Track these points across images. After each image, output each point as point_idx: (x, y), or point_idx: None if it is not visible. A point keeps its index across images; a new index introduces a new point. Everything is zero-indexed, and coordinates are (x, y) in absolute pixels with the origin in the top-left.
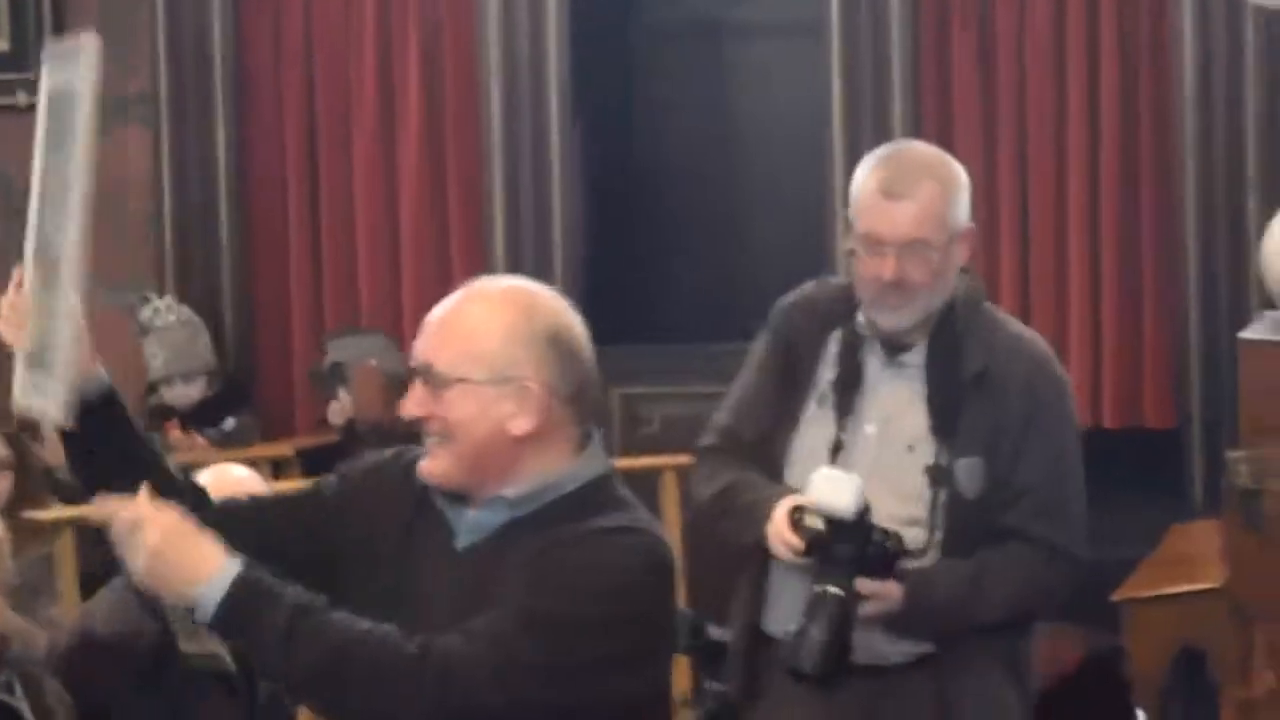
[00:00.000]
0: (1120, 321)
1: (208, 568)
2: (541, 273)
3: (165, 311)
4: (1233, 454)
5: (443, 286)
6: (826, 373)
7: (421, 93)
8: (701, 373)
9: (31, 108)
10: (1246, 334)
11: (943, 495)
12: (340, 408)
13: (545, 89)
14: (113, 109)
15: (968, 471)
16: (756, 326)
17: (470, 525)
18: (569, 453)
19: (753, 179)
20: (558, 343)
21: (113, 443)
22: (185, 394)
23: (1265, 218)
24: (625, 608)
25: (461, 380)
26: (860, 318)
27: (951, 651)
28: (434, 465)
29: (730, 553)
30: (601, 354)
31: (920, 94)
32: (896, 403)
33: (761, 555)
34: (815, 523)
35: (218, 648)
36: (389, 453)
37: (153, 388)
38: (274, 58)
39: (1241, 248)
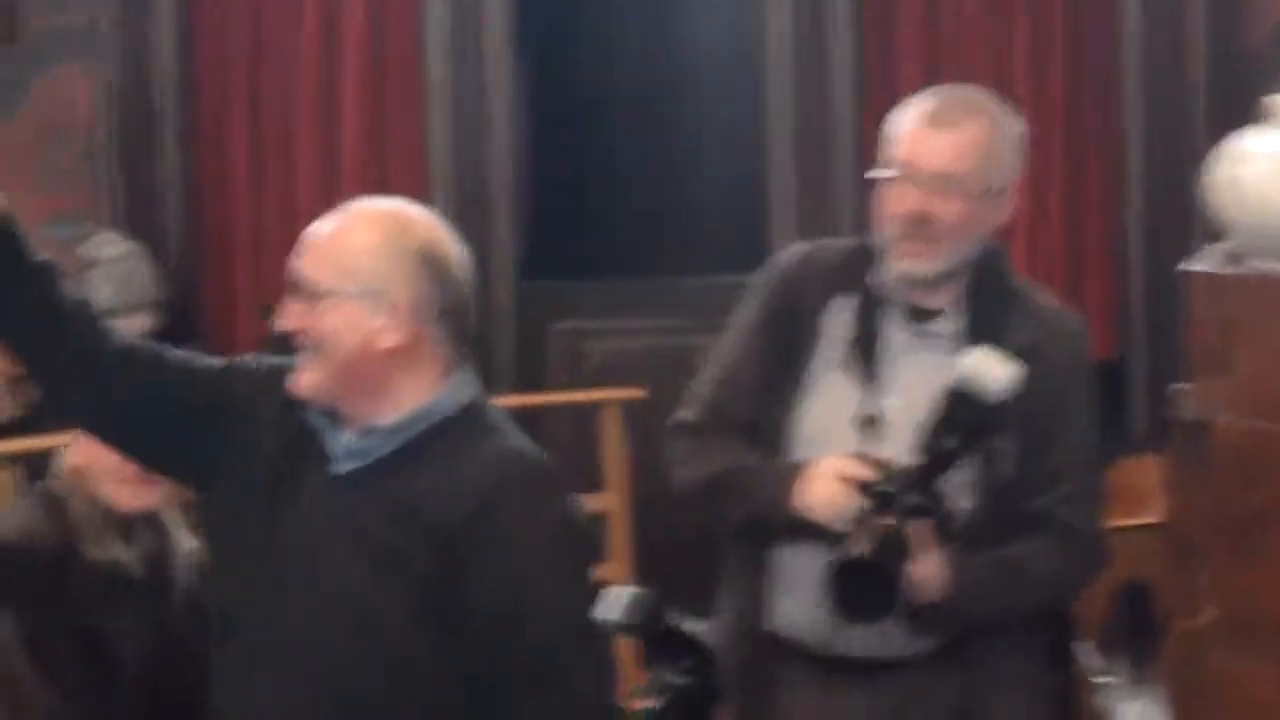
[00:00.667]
0: (1062, 252)
1: None
2: (481, 202)
3: (108, 245)
4: (1177, 387)
5: None
6: (833, 340)
7: (364, 19)
8: (642, 307)
9: None
10: (1191, 266)
11: (976, 475)
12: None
13: (488, 15)
14: (52, 41)
15: (1003, 452)
16: (694, 261)
17: (348, 450)
18: (438, 375)
19: (694, 110)
20: (429, 260)
21: (8, 268)
22: (131, 326)
23: (1211, 145)
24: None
25: (332, 293)
26: (876, 277)
27: (976, 646)
28: (305, 378)
29: (713, 539)
30: (542, 288)
31: (864, 25)
32: (923, 374)
33: (764, 539)
34: (885, 469)
35: (123, 553)
36: (280, 361)
37: None
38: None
39: (1186, 179)
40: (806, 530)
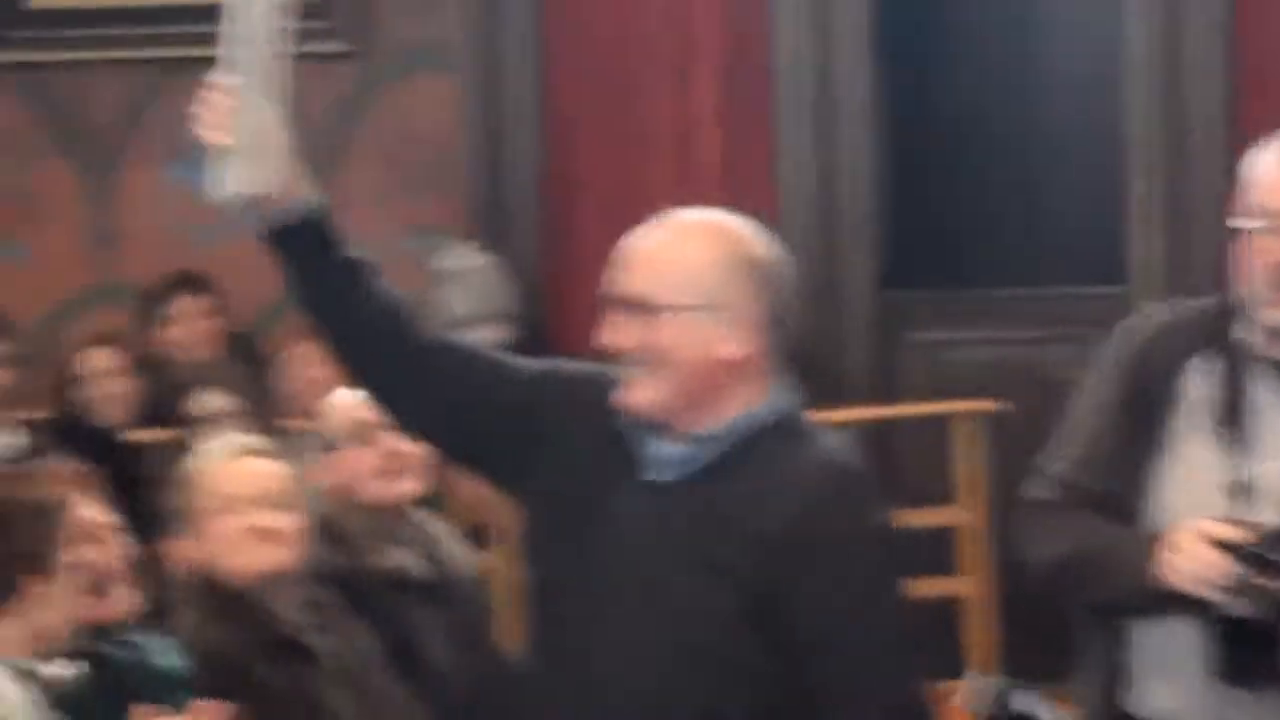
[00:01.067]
0: None
1: None
2: (837, 215)
3: (464, 256)
4: None
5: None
6: (1194, 403)
7: (719, 36)
8: (998, 318)
9: (332, 56)
10: None
11: None
12: None
13: (842, 31)
14: (406, 53)
15: None
16: (1050, 271)
17: (668, 459)
18: (765, 384)
19: (1050, 124)
20: (761, 271)
21: (321, 262)
22: (484, 337)
23: None
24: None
25: (673, 307)
26: (1241, 333)
27: None
28: (642, 393)
29: (1068, 618)
30: (895, 299)
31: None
32: None
33: (1126, 616)
34: (1255, 530)
35: (405, 558)
36: (590, 368)
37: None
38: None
39: None
40: (1173, 602)
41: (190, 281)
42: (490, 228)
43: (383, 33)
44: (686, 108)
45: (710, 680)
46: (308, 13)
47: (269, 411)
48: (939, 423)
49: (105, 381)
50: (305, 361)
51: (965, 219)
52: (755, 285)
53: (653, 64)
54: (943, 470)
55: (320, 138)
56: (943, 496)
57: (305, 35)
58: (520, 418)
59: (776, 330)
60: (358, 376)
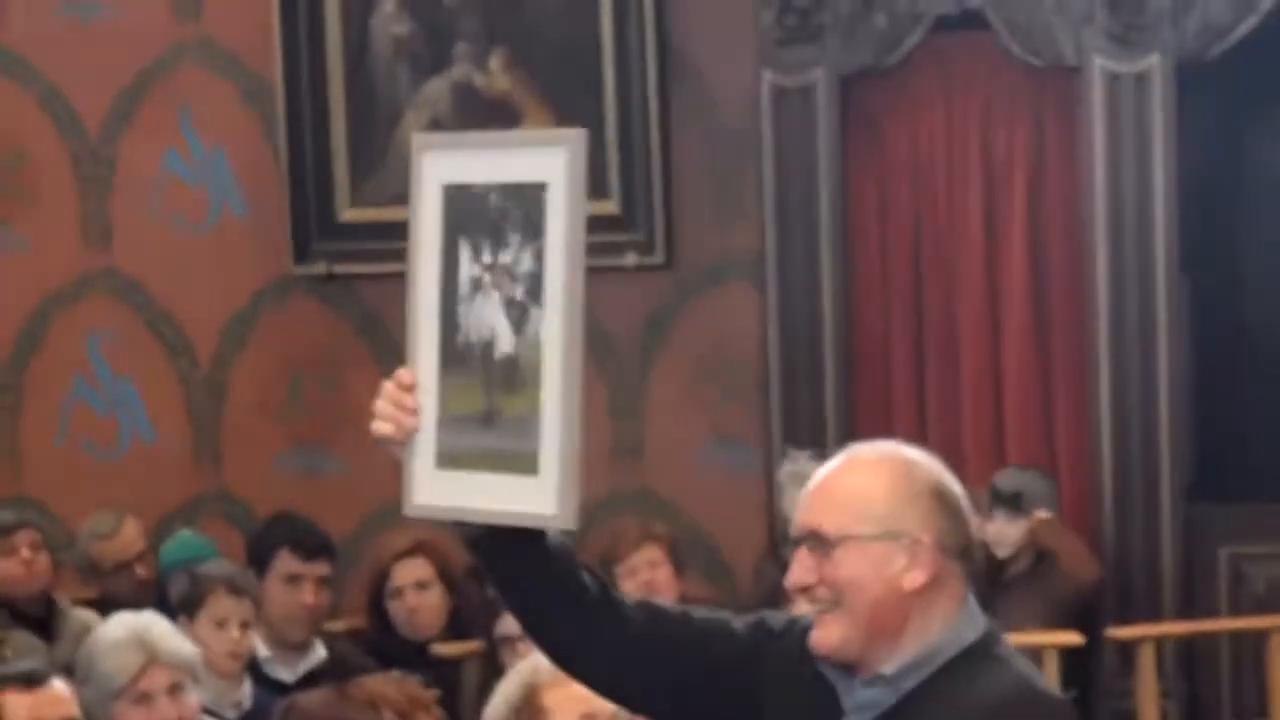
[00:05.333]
0: None
1: None
2: (1147, 428)
3: (805, 462)
4: None
5: (1046, 441)
6: None
7: (1026, 248)
8: None
9: (639, 269)
10: None
11: None
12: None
13: (1152, 240)
14: (719, 266)
15: None
16: None
17: (860, 703)
18: (954, 610)
19: None
20: (941, 497)
21: (519, 557)
22: None
23: None
24: None
25: (850, 538)
26: None
27: None
28: (827, 634)
29: None
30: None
31: None
32: None
33: None
34: None
35: None
36: (786, 616)
37: (785, 543)
38: (880, 220)
39: None
40: None
41: None
42: (795, 438)
43: (686, 245)
44: (998, 321)
45: None
46: (616, 226)
47: None
48: (1252, 638)
49: (418, 593)
50: (651, 564)
51: (1273, 430)
52: (938, 511)
53: (965, 276)
54: (1257, 686)
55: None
56: (1259, 713)
57: (613, 249)
58: (739, 682)
59: (966, 556)
60: (576, 668)
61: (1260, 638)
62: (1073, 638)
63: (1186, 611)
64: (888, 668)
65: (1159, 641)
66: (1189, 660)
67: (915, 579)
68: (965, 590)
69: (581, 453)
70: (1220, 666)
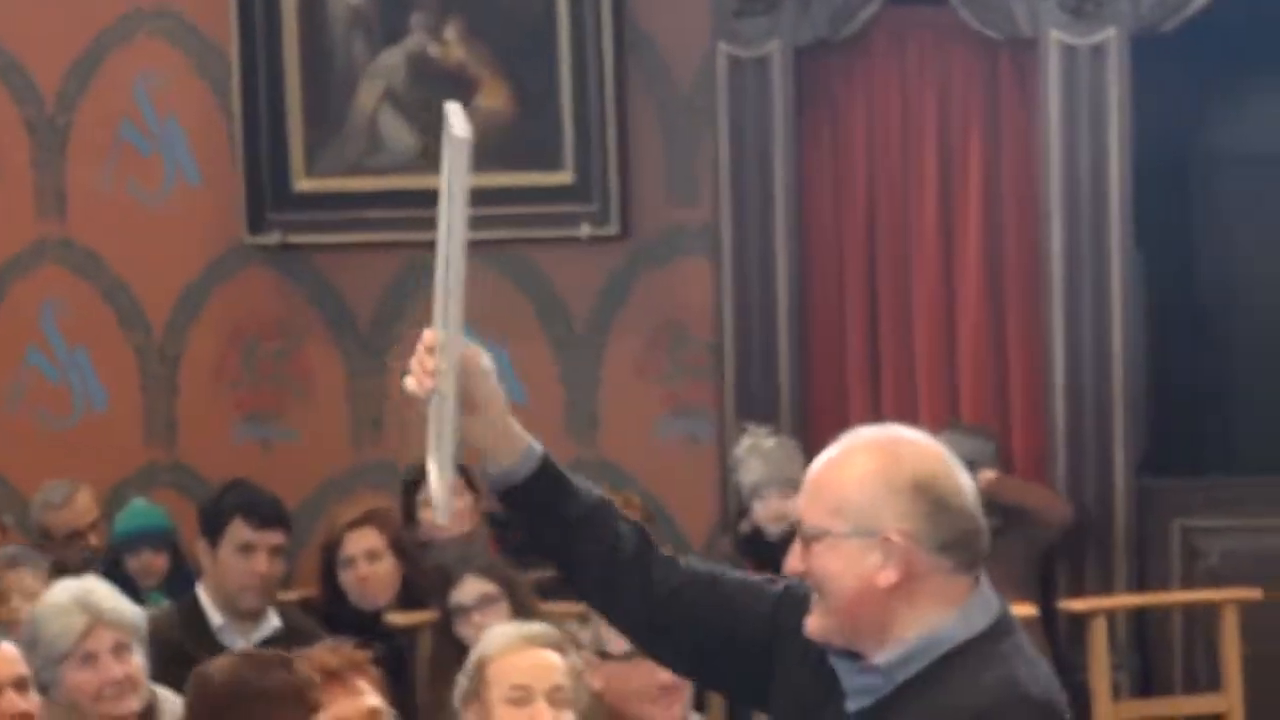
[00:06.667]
0: None
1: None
2: (1101, 402)
3: (764, 437)
4: None
5: (1000, 415)
6: None
7: (981, 222)
8: (1262, 506)
9: (594, 240)
10: None
11: None
12: None
13: (1106, 213)
14: (674, 237)
15: None
16: None
17: (858, 688)
18: (946, 604)
19: None
20: (923, 490)
21: (553, 512)
22: (780, 508)
23: None
24: None
25: (825, 534)
26: None
27: None
28: (813, 623)
29: None
30: (1160, 484)
31: None
32: None
33: None
34: None
35: None
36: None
37: (741, 516)
38: (835, 192)
39: None
40: None
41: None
42: (749, 411)
43: (643, 215)
44: (952, 300)
45: None
46: (570, 197)
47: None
48: (1203, 611)
49: (369, 563)
50: None
51: (1226, 406)
52: (912, 506)
53: (920, 249)
54: (1207, 658)
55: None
56: (1209, 685)
57: (568, 220)
58: (756, 649)
59: (953, 550)
60: (606, 617)
61: (1213, 611)
62: (1025, 609)
63: (1139, 584)
64: (880, 659)
65: (1112, 614)
66: (1141, 633)
67: (888, 577)
68: (959, 582)
69: (452, 447)
70: (1173, 639)
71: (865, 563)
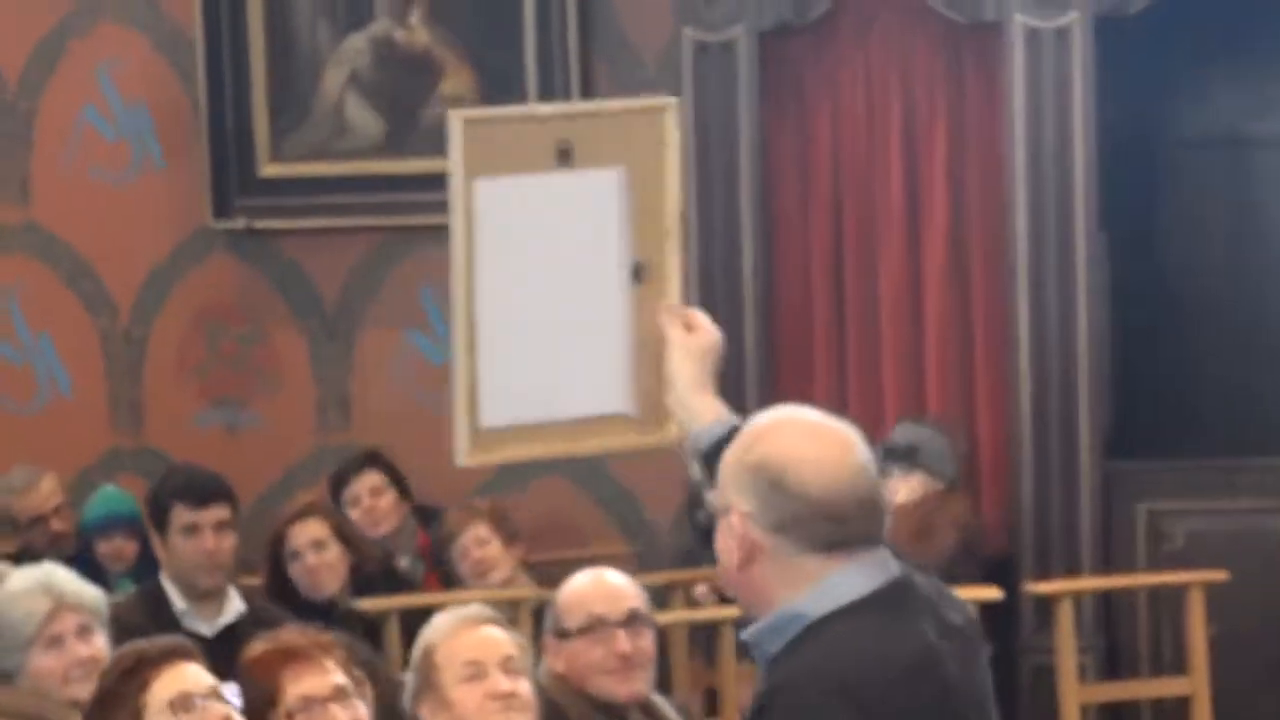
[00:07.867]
0: None
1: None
2: (1066, 384)
3: None
4: None
5: (965, 398)
6: None
7: (947, 204)
8: (1227, 488)
9: None
10: None
11: None
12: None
13: (1071, 196)
14: None
15: None
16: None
17: (756, 658)
18: (797, 582)
19: (1277, 291)
20: (762, 471)
21: None
22: None
23: None
24: None
25: (717, 510)
26: None
27: None
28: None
29: None
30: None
31: None
32: None
33: None
34: None
35: None
36: None
37: (695, 507)
38: (800, 177)
39: None
40: None
41: (373, 459)
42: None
43: None
44: (918, 284)
45: None
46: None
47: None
48: (1169, 593)
49: (316, 553)
50: (478, 542)
51: (1191, 388)
52: (754, 488)
53: (885, 232)
54: (1173, 640)
55: None
56: (1174, 668)
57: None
58: None
59: (797, 530)
60: None
61: (1178, 593)
62: (991, 593)
63: (1105, 567)
64: (745, 632)
65: (1077, 597)
66: (1107, 615)
67: (734, 554)
68: (810, 561)
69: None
70: (1138, 622)
71: (727, 540)
